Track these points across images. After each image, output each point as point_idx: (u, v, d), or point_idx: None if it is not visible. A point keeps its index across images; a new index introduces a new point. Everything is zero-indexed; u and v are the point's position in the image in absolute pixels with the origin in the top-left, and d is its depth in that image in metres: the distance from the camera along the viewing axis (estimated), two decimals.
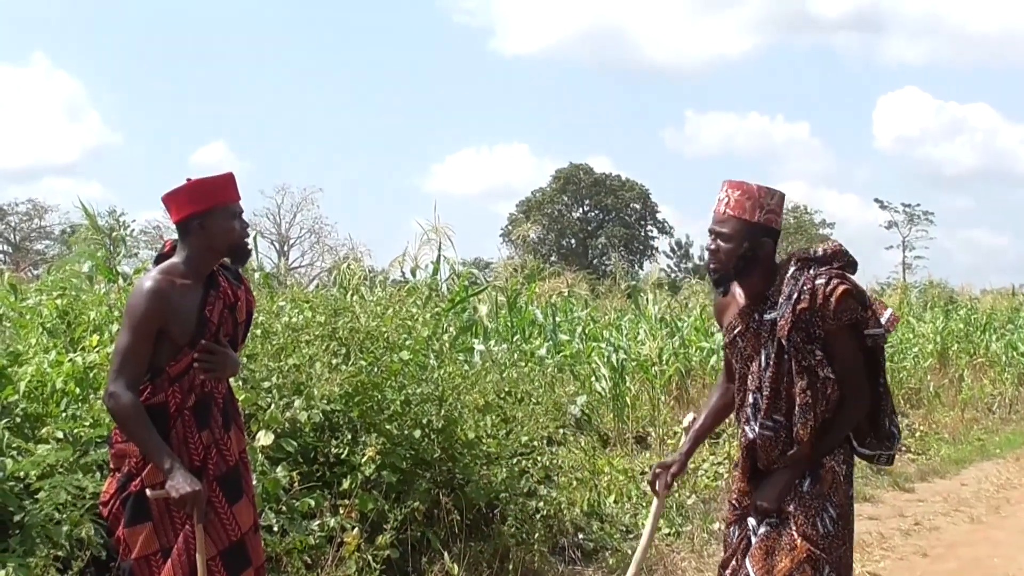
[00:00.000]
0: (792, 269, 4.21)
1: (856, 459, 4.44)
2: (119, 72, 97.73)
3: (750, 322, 4.30)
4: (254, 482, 5.13)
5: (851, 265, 4.28)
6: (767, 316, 4.25)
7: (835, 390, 4.15)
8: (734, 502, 4.49)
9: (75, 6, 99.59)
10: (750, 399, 4.34)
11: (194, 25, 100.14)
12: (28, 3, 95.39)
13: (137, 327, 4.22)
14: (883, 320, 4.23)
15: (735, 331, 4.36)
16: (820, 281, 4.12)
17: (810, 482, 4.22)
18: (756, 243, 4.22)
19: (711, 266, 4.33)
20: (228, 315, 4.46)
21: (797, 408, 4.16)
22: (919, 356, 17.49)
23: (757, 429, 4.29)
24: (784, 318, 4.15)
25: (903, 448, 13.42)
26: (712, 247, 4.30)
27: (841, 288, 4.10)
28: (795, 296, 4.13)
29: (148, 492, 4.15)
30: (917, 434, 14.34)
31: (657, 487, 4.68)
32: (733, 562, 4.44)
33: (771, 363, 4.23)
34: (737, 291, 4.39)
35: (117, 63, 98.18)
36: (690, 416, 4.86)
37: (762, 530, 4.29)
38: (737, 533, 4.45)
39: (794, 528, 4.17)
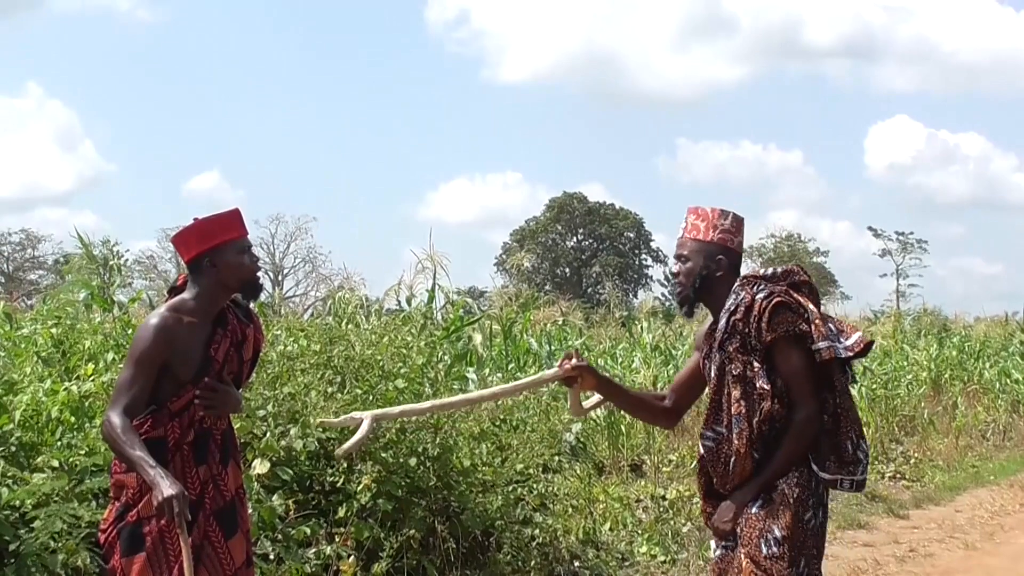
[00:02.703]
0: (736, 285, 4.32)
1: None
2: (113, 101, 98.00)
3: (712, 343, 4.36)
4: (250, 510, 5.13)
5: (803, 284, 4.36)
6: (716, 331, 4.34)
7: (774, 403, 4.17)
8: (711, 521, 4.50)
9: (68, 36, 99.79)
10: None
11: (187, 54, 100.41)
12: (21, 33, 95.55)
13: (139, 362, 4.28)
14: (848, 342, 4.23)
15: (704, 351, 4.43)
16: (760, 295, 4.21)
17: (760, 504, 4.22)
18: (711, 261, 4.36)
19: (675, 289, 4.49)
20: (234, 353, 4.51)
21: (732, 418, 4.21)
22: (913, 383, 17.41)
23: (702, 441, 4.36)
24: (720, 329, 4.27)
25: (898, 476, 13.42)
26: (674, 270, 4.45)
27: (775, 300, 4.18)
28: (732, 308, 4.24)
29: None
30: (911, 461, 14.27)
31: (566, 363, 4.56)
32: None
33: (714, 375, 4.31)
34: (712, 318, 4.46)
35: (111, 93, 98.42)
36: (597, 397, 4.79)
37: (718, 552, 4.36)
38: (713, 548, 4.50)
39: (742, 550, 4.20)
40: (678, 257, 4.44)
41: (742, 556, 4.19)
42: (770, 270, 4.38)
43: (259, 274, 4.58)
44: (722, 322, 4.26)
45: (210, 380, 4.38)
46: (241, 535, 4.52)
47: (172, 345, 4.30)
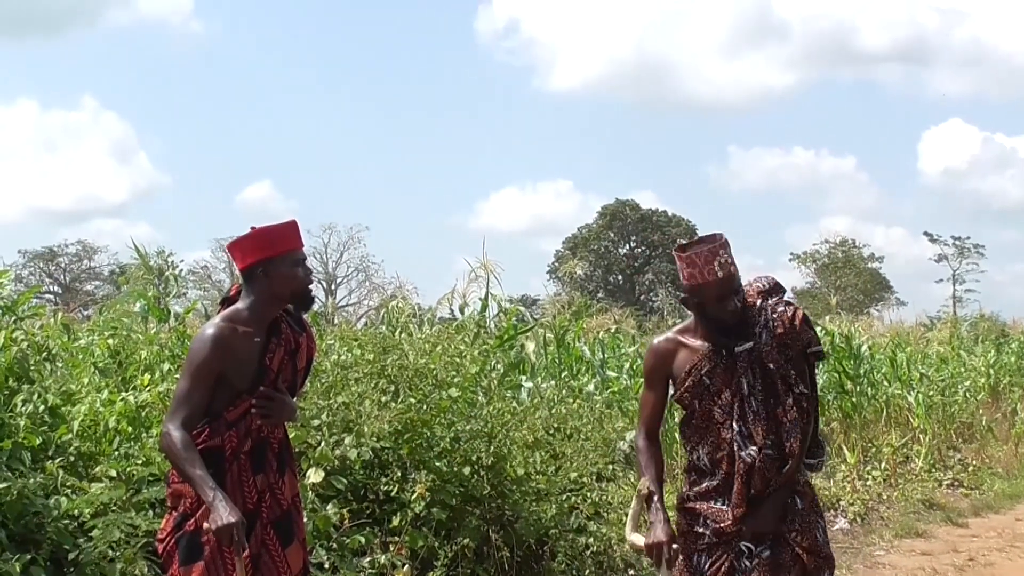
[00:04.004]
0: (760, 301, 4.56)
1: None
2: (167, 113, 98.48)
3: (719, 359, 4.52)
4: (305, 520, 5.15)
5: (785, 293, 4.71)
6: (739, 348, 4.50)
7: (809, 403, 4.51)
8: (718, 529, 4.53)
9: (122, 49, 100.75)
10: (734, 427, 4.50)
11: (239, 66, 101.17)
12: (76, 47, 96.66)
13: (196, 372, 4.31)
14: None
15: (702, 371, 4.54)
16: (780, 308, 4.52)
17: (800, 500, 4.53)
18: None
19: (733, 323, 4.49)
20: (288, 362, 4.53)
21: (788, 424, 4.45)
22: (971, 390, 17.18)
23: (756, 453, 4.46)
24: (768, 344, 4.48)
25: (956, 483, 13.32)
26: (731, 307, 4.46)
27: (801, 312, 4.54)
28: (771, 323, 4.49)
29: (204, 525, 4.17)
30: (970, 468, 14.09)
31: (668, 566, 4.49)
32: None
33: (757, 389, 4.49)
34: (681, 337, 4.62)
35: (165, 104, 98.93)
36: (645, 481, 4.62)
37: (766, 553, 4.46)
38: (711, 562, 4.54)
39: (796, 545, 4.45)
40: (736, 292, 4.47)
41: (799, 551, 4.44)
42: (764, 283, 4.66)
43: (311, 286, 4.60)
44: (767, 338, 4.47)
45: (266, 389, 4.41)
46: (298, 544, 4.55)
47: (228, 355, 4.33)
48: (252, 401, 4.38)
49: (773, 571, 4.44)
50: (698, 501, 4.61)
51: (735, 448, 4.49)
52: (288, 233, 4.52)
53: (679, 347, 4.60)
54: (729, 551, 4.50)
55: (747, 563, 4.48)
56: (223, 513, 4.00)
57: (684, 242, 4.65)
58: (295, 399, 4.69)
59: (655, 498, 4.52)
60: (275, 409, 4.44)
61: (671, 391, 4.67)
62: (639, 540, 4.54)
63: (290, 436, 4.82)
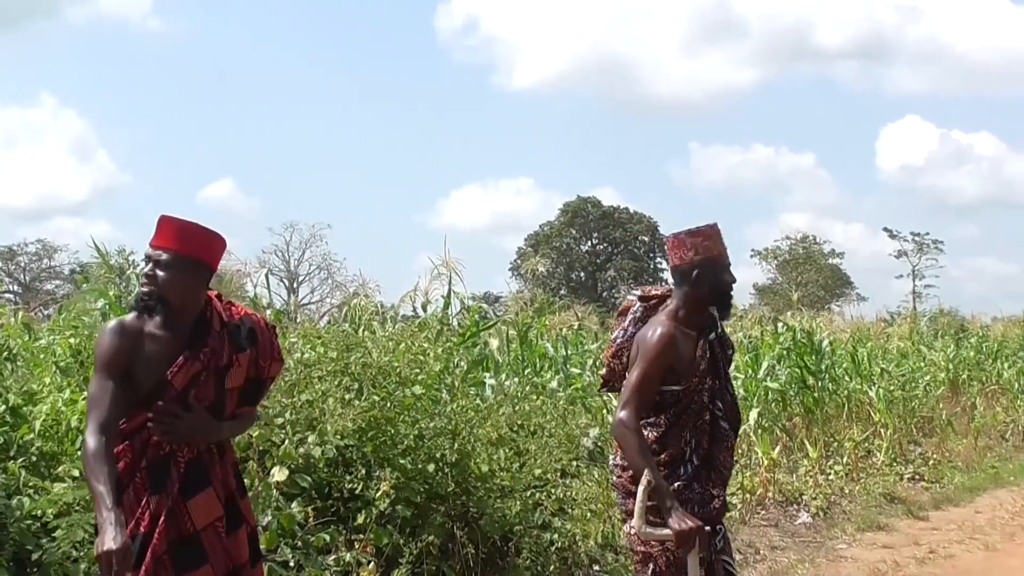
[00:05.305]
0: None
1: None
2: (127, 111, 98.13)
3: (708, 344, 4.68)
4: (268, 520, 5.04)
5: None
6: (710, 338, 4.69)
7: None
8: (710, 511, 4.60)
9: (82, 46, 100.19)
10: (714, 407, 4.66)
11: (200, 64, 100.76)
12: (35, 43, 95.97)
13: (101, 368, 4.03)
14: None
15: (707, 356, 4.65)
16: None
17: None
18: None
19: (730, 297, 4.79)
20: (207, 379, 4.09)
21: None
22: (931, 385, 17.36)
23: (733, 432, 4.73)
24: (726, 340, 4.81)
25: (917, 477, 13.42)
26: (732, 279, 4.76)
27: None
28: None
29: None
30: (930, 462, 14.17)
31: (702, 549, 4.45)
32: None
33: (727, 374, 4.79)
34: (678, 324, 4.65)
35: (125, 102, 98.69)
36: (649, 472, 4.41)
37: (722, 529, 4.75)
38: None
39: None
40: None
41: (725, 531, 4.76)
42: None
43: (147, 290, 4.09)
44: (719, 326, 4.76)
45: (166, 405, 4.00)
46: (208, 567, 4.08)
47: (130, 349, 4.01)
48: (148, 416, 4.00)
49: (728, 543, 4.73)
50: (683, 492, 4.57)
51: (723, 427, 4.65)
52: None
53: (682, 336, 4.59)
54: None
55: (717, 542, 4.62)
56: (106, 538, 3.62)
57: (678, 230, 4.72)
58: (232, 419, 4.27)
59: (663, 488, 4.44)
60: (178, 428, 4.01)
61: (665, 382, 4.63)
62: (661, 531, 4.42)
63: (254, 434, 4.68)
